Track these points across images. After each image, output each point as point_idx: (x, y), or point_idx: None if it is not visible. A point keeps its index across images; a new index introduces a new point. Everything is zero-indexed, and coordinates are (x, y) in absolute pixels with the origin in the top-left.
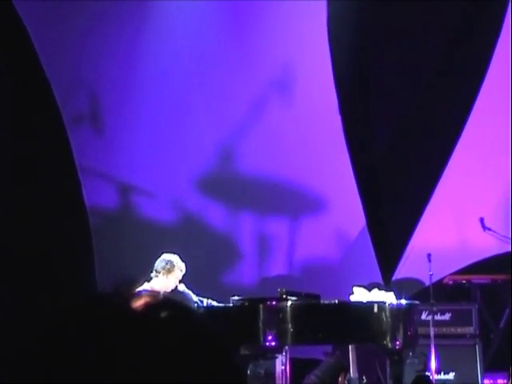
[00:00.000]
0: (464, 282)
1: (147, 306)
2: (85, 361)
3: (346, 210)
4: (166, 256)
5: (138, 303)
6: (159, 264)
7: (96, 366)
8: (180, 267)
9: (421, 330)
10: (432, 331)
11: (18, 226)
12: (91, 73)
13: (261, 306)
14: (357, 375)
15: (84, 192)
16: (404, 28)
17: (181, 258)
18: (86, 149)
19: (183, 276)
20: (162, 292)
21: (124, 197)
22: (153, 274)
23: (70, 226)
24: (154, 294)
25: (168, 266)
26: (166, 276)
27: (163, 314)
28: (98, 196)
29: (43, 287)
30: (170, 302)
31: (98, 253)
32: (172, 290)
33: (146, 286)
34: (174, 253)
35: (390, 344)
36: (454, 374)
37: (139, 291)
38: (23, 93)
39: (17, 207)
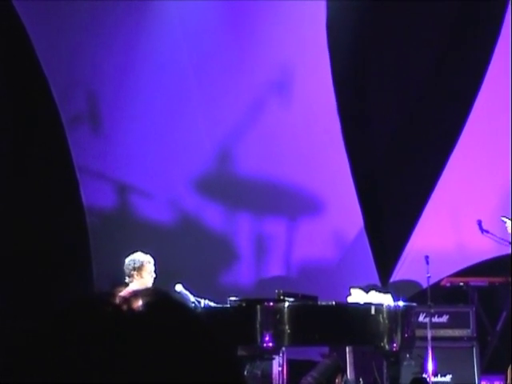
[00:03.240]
0: (461, 284)
1: (146, 305)
2: (84, 361)
3: (344, 212)
4: (130, 257)
5: (137, 302)
6: (127, 267)
7: (95, 366)
8: (148, 260)
9: (418, 332)
10: (429, 333)
11: (15, 225)
12: (89, 73)
13: (258, 306)
14: (353, 377)
15: (82, 191)
16: (403, 30)
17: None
18: (83, 148)
19: (180, 277)
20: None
21: (122, 196)
22: (128, 280)
23: (67, 225)
24: (153, 292)
25: (137, 265)
26: (140, 275)
27: (162, 314)
28: (95, 195)
29: (40, 286)
30: (168, 301)
31: (95, 252)
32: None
33: (124, 291)
34: (135, 251)
35: (387, 346)
36: (450, 376)
37: (135, 291)
38: (21, 92)
39: (14, 206)
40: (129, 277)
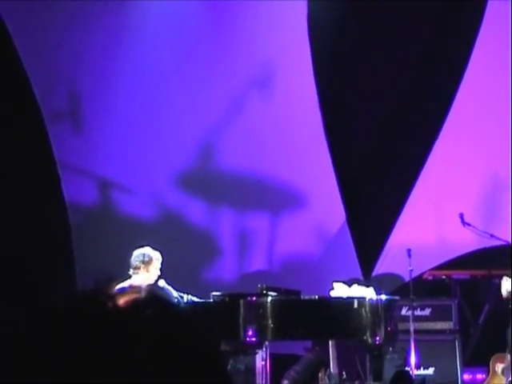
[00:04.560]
0: (444, 277)
1: (131, 303)
2: (70, 360)
3: (326, 206)
4: (140, 250)
5: (122, 301)
6: (136, 260)
7: (81, 365)
8: (157, 257)
9: (400, 326)
10: (412, 326)
11: None
12: (70, 70)
13: (241, 301)
14: (337, 371)
15: (64, 188)
16: (383, 26)
17: (154, 249)
18: (65, 144)
19: (163, 272)
20: (144, 286)
21: (103, 193)
22: (131, 272)
23: (49, 222)
24: (137, 290)
25: (146, 259)
26: (147, 269)
27: (148, 312)
28: (77, 192)
29: (22, 284)
30: (154, 299)
31: (78, 248)
32: (154, 283)
33: (127, 283)
34: (145, 245)
35: (369, 339)
36: (433, 369)
37: (121, 288)
38: (2, 89)
39: None
40: (134, 269)
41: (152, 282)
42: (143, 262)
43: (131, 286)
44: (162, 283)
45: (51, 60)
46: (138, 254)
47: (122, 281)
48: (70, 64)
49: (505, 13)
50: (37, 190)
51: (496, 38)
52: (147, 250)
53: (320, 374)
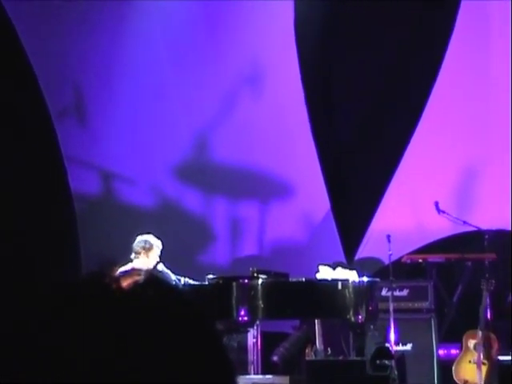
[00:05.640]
0: (420, 260)
1: (134, 285)
2: (75, 339)
3: (312, 195)
4: (143, 237)
5: (125, 282)
6: (138, 245)
7: (87, 345)
8: (157, 245)
9: (381, 305)
10: (391, 306)
11: (7, 211)
12: (76, 69)
13: (234, 283)
14: (322, 347)
15: (69, 179)
16: (365, 27)
17: (156, 237)
18: (70, 139)
19: (162, 257)
20: (146, 269)
21: (106, 183)
22: (133, 256)
23: (56, 211)
24: (139, 272)
25: (147, 246)
26: (147, 255)
27: (149, 292)
28: (82, 183)
29: (31, 268)
30: (155, 281)
31: (83, 235)
32: (153, 268)
33: (129, 266)
34: (148, 232)
35: (353, 318)
36: (411, 345)
37: (124, 271)
38: (11, 88)
39: (5, 194)
40: (135, 253)
41: (150, 267)
42: (144, 248)
43: (133, 269)
44: (160, 267)
45: (58, 60)
46: (140, 239)
47: (123, 264)
48: (75, 64)
49: (480, 12)
50: (45, 181)
51: (472, 35)
52: (150, 237)
53: (307, 350)
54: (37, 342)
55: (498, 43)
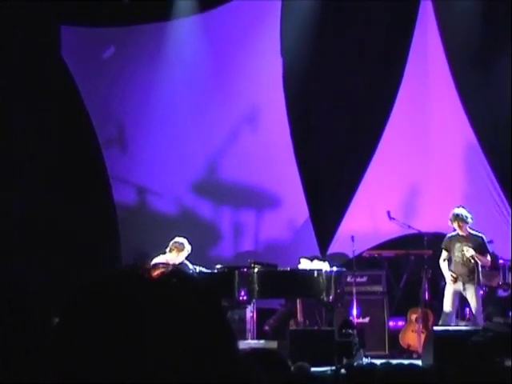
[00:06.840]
0: (376, 255)
1: (161, 274)
2: (114, 321)
3: (295, 205)
4: (180, 239)
5: (155, 272)
6: (174, 243)
7: (123, 325)
8: (188, 249)
9: (346, 289)
10: (354, 289)
11: (66, 218)
12: (118, 108)
13: (236, 272)
14: (302, 320)
15: (113, 193)
16: (338, 76)
17: (190, 244)
18: (114, 162)
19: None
20: (171, 264)
21: (140, 196)
22: (167, 250)
23: (102, 217)
24: (166, 265)
25: (181, 247)
26: (177, 253)
27: (173, 280)
28: (122, 196)
29: (83, 264)
30: (178, 271)
31: (122, 236)
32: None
33: (161, 258)
34: (185, 237)
35: (325, 298)
36: (368, 318)
37: (156, 263)
38: (67, 123)
39: (66, 206)
40: (170, 249)
41: (177, 263)
42: (177, 247)
43: (161, 263)
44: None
45: (104, 102)
46: (177, 240)
47: (157, 256)
48: (117, 104)
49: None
50: (95, 194)
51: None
52: (185, 241)
53: (290, 322)
54: (87, 317)
55: (437, 84)
